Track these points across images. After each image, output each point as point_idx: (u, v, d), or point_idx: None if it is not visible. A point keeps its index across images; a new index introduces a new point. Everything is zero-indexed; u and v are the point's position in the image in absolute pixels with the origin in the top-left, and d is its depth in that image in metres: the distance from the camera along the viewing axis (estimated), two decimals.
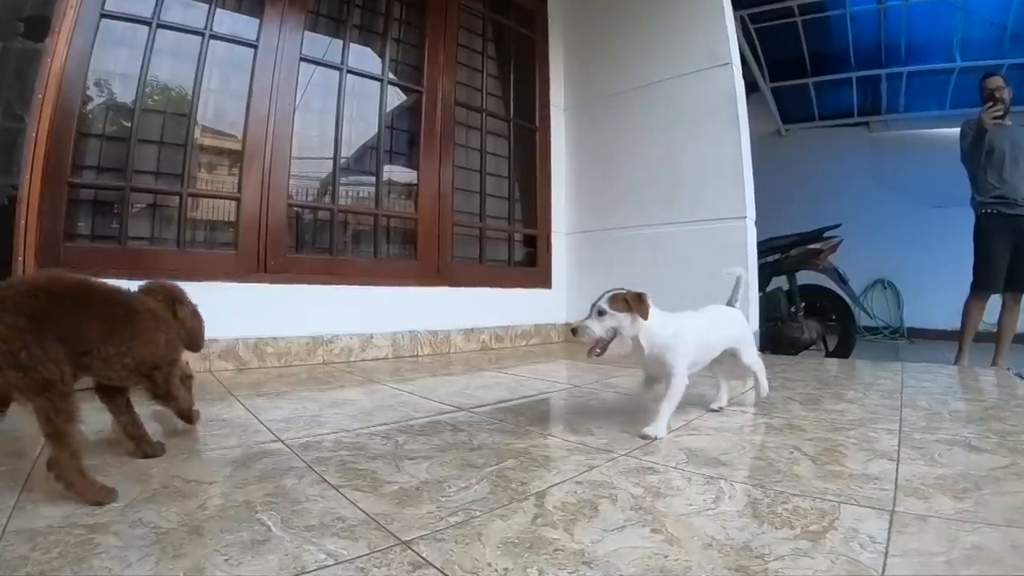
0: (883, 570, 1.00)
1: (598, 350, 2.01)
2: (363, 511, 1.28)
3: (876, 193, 9.44)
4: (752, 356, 2.40)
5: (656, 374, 2.16)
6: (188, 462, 1.70)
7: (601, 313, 2.00)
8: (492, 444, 1.86)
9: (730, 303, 2.43)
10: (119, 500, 1.36)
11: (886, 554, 1.05)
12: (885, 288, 9.59)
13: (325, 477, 1.53)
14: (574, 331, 2.03)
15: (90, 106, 3.38)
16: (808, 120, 10.35)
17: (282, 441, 1.94)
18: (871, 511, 1.27)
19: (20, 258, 2.81)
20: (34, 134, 3.04)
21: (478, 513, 1.26)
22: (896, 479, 1.48)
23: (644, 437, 1.92)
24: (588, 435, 1.99)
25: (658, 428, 1.94)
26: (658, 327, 2.03)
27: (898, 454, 1.72)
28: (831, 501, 1.32)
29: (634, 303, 1.98)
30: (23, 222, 2.96)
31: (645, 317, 1.98)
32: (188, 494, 1.40)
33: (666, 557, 1.04)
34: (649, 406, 2.15)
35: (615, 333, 2.01)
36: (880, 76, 9.24)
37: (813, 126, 10.38)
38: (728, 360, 2.39)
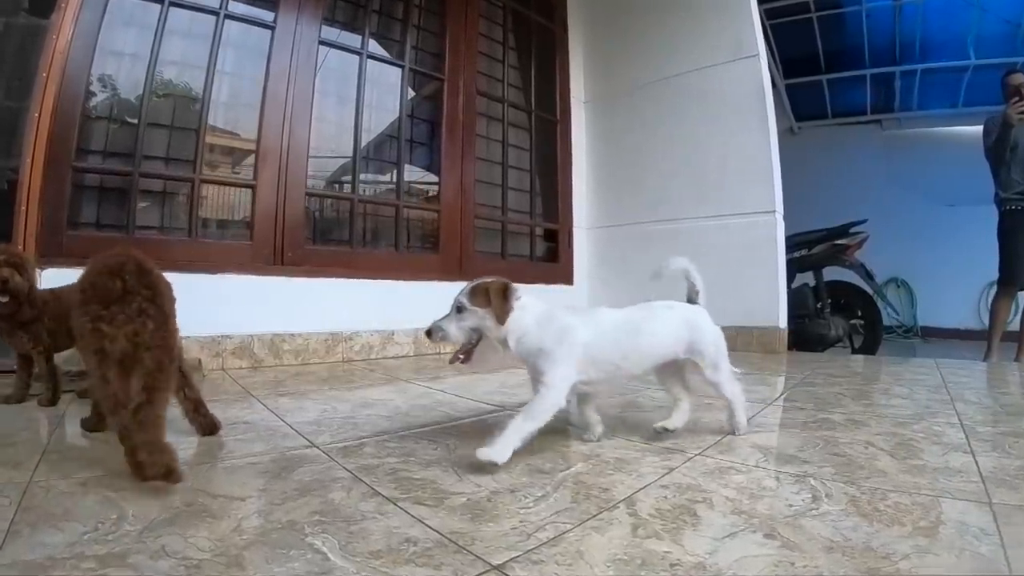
0: (1008, 562, 0.95)
1: (461, 356, 1.61)
2: (434, 530, 1.07)
3: (889, 191, 9.21)
4: (720, 373, 1.75)
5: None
6: (213, 473, 1.45)
7: (460, 309, 1.57)
8: (552, 446, 1.65)
9: (690, 300, 1.85)
10: (133, 523, 1.10)
11: (1003, 546, 1.01)
12: (899, 287, 9.38)
13: (377, 489, 1.30)
14: (428, 333, 1.59)
15: (97, 87, 3.11)
16: (821, 118, 10.12)
17: (317, 447, 1.69)
18: (970, 504, 1.21)
19: (20, 247, 2.56)
20: (36, 115, 2.80)
21: (568, 526, 1.08)
22: (979, 471, 1.42)
23: (477, 456, 1.40)
24: (647, 433, 1.80)
25: (497, 451, 1.40)
26: (534, 326, 1.57)
27: (970, 447, 1.66)
28: (927, 495, 1.26)
29: (494, 298, 1.54)
30: (23, 208, 2.73)
31: (501, 319, 1.53)
32: (218, 513, 1.17)
33: (793, 564, 0.93)
34: (595, 428, 1.74)
35: (479, 335, 1.59)
36: (894, 74, 9.06)
37: (826, 124, 10.17)
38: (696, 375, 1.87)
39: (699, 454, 1.58)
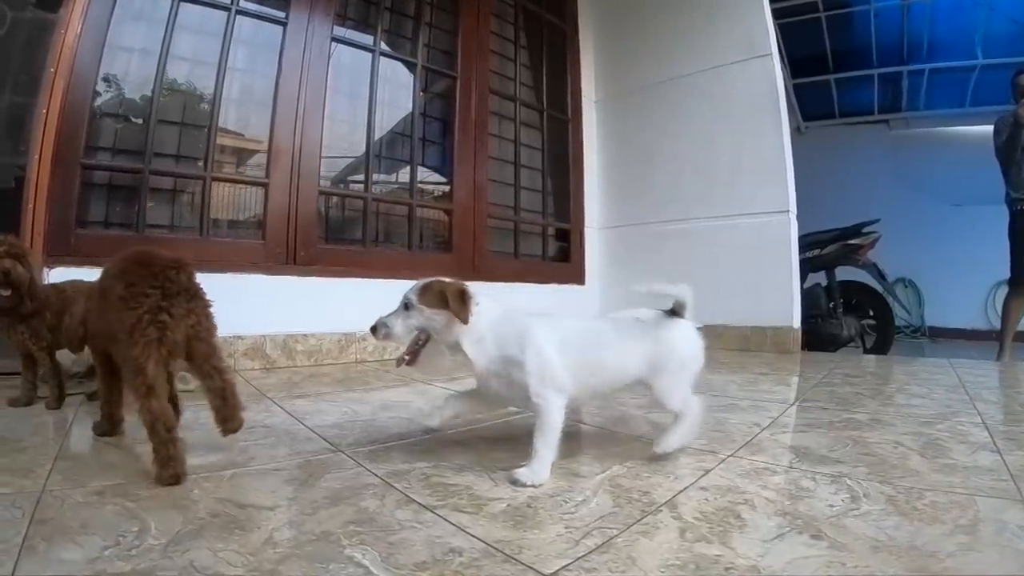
0: None
1: (406, 358, 1.49)
2: (478, 538, 1.01)
3: (896, 191, 9.10)
4: (674, 396, 1.51)
5: (497, 398, 1.53)
6: (237, 481, 1.35)
7: (408, 307, 1.45)
8: (585, 448, 1.63)
9: (674, 311, 1.55)
10: (157, 536, 1.02)
11: None
12: (906, 287, 9.26)
13: (412, 496, 1.23)
14: (373, 329, 1.48)
15: (106, 83, 3.02)
16: (828, 117, 10.02)
17: (342, 451, 1.61)
18: (1005, 501, 1.21)
19: (27, 245, 2.43)
20: (44, 111, 2.72)
21: (615, 531, 1.04)
22: (1009, 470, 1.42)
23: (515, 483, 1.31)
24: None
25: (535, 473, 1.32)
26: (489, 332, 1.44)
27: (996, 446, 1.65)
28: (962, 494, 1.25)
29: (452, 299, 1.40)
30: (31, 206, 2.65)
31: (465, 321, 1.40)
32: (247, 524, 1.08)
33: (844, 565, 0.91)
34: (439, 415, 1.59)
35: (426, 336, 1.47)
36: (902, 73, 8.97)
37: (833, 123, 10.06)
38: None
39: (731, 455, 1.55)
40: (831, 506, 1.17)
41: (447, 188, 4.44)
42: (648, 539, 1.01)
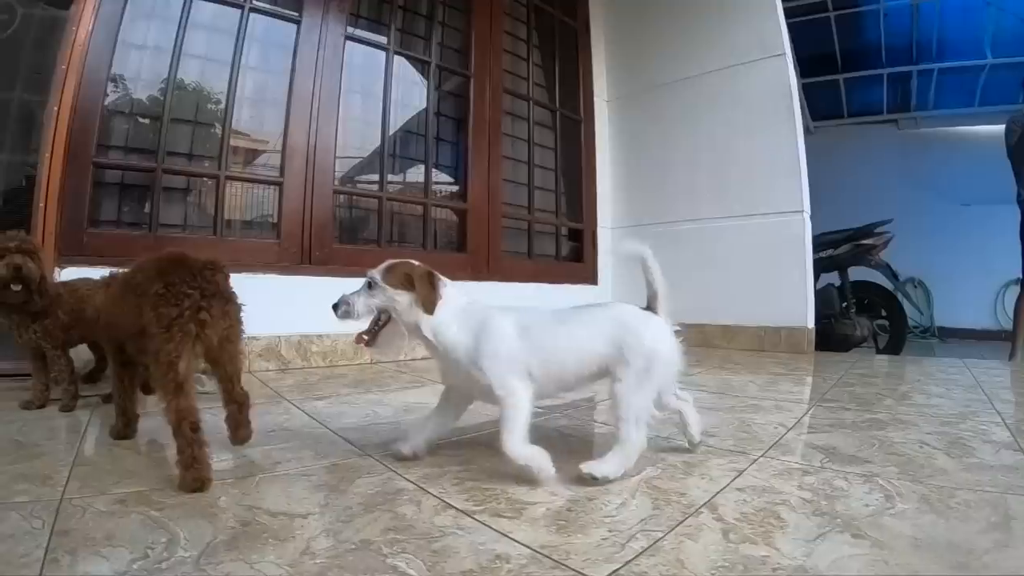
0: None
1: (365, 337, 1.44)
2: (523, 544, 0.98)
3: (905, 191, 8.98)
4: (630, 400, 1.35)
5: (457, 387, 1.50)
6: (265, 487, 1.29)
7: (371, 285, 1.40)
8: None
9: (648, 306, 1.50)
10: (187, 548, 0.95)
11: None
12: (916, 287, 9.17)
13: (448, 501, 1.20)
14: (335, 307, 1.42)
15: (118, 80, 2.95)
16: (837, 117, 9.94)
17: (370, 455, 1.55)
18: None
19: (38, 242, 2.36)
20: (56, 108, 2.65)
21: (659, 534, 1.02)
22: None
23: (513, 457, 1.29)
24: (705, 435, 1.67)
25: (517, 454, 1.29)
26: (451, 318, 1.40)
27: (1020, 445, 1.66)
28: (991, 492, 1.26)
29: (419, 283, 1.37)
30: (42, 205, 2.58)
31: (430, 310, 1.37)
32: (281, 534, 1.02)
33: (887, 563, 0.92)
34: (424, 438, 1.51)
35: (387, 317, 1.42)
36: (911, 73, 8.92)
37: (842, 123, 9.97)
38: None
39: (762, 456, 1.54)
40: (867, 505, 1.17)
41: (460, 188, 4.38)
42: (693, 541, 0.99)
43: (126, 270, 1.53)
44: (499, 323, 1.38)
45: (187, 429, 1.23)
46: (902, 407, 2.23)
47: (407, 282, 1.37)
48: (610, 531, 1.04)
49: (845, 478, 1.34)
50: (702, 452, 1.57)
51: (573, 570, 0.89)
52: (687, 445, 1.58)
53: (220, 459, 1.43)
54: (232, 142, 3.27)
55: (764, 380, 2.91)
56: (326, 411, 2.10)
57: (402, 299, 1.38)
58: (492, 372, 1.34)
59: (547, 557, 0.93)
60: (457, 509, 1.15)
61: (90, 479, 1.29)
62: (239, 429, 1.52)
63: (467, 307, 1.43)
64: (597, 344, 1.39)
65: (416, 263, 1.43)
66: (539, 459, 1.28)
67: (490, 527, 1.05)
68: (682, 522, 1.08)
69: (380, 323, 1.43)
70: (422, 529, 1.04)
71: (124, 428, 1.64)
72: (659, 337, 1.40)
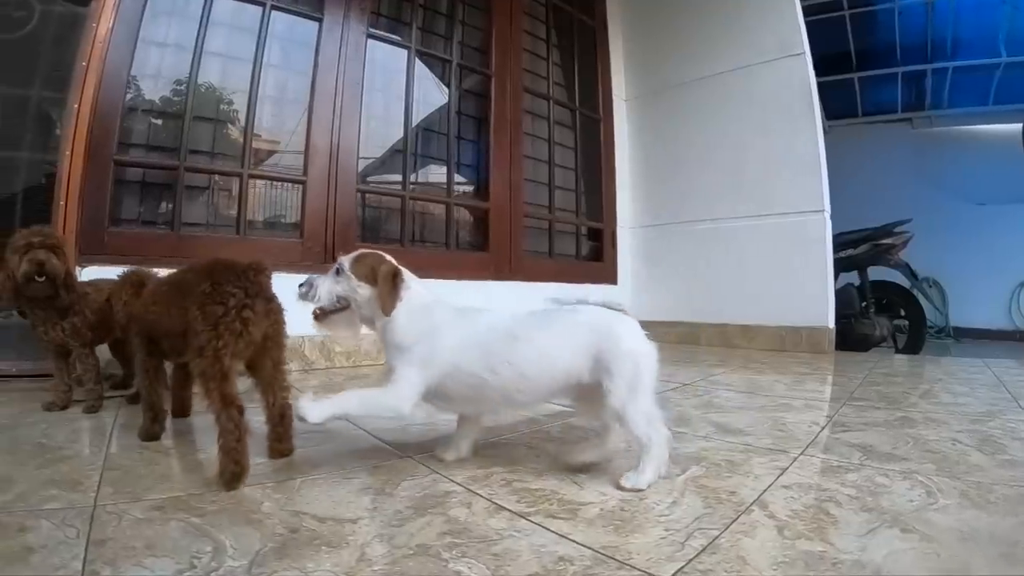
0: None
1: (318, 311, 1.39)
2: (584, 545, 0.96)
3: (919, 190, 8.79)
4: (636, 405, 1.25)
5: None
6: (307, 490, 1.22)
7: (339, 272, 1.37)
8: None
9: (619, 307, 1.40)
10: (235, 556, 0.88)
11: None
12: (930, 286, 9.03)
13: (499, 503, 1.16)
14: (300, 285, 1.40)
15: (139, 78, 2.88)
16: (851, 116, 9.74)
17: (411, 456, 1.49)
18: None
19: (63, 236, 2.31)
20: (76, 106, 2.58)
21: (716, 532, 1.01)
22: None
23: (297, 412, 1.26)
24: (742, 434, 1.75)
25: (313, 408, 1.24)
26: (404, 317, 1.33)
27: None
28: None
29: (382, 282, 1.32)
30: (62, 204, 2.51)
31: (386, 311, 1.31)
32: (332, 540, 0.96)
33: (939, 556, 0.93)
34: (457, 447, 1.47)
35: (347, 303, 1.38)
36: (925, 71, 8.78)
37: (856, 122, 9.76)
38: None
39: (802, 454, 1.53)
40: (910, 501, 1.17)
41: (477, 187, 4.31)
42: (750, 538, 0.98)
43: (174, 271, 1.57)
44: (445, 338, 1.32)
45: (234, 412, 1.23)
46: (930, 405, 2.23)
47: (372, 277, 1.34)
48: (667, 530, 1.02)
49: (886, 475, 1.34)
50: (743, 450, 1.55)
51: (639, 570, 0.87)
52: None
53: (256, 462, 1.36)
54: (258, 124, 3.23)
55: (790, 379, 2.88)
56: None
57: (364, 292, 1.35)
58: (398, 368, 1.31)
59: (611, 558, 0.91)
60: (510, 511, 1.11)
61: (122, 484, 1.21)
62: (280, 442, 1.46)
63: (423, 308, 1.36)
64: (566, 354, 1.29)
65: (387, 258, 1.38)
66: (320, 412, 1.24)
67: (547, 529, 1.02)
68: (736, 520, 1.07)
69: (339, 306, 1.38)
70: (478, 532, 1.00)
71: (152, 425, 1.62)
72: (637, 339, 1.31)
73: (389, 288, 1.31)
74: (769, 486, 1.26)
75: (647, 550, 0.94)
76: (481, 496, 1.19)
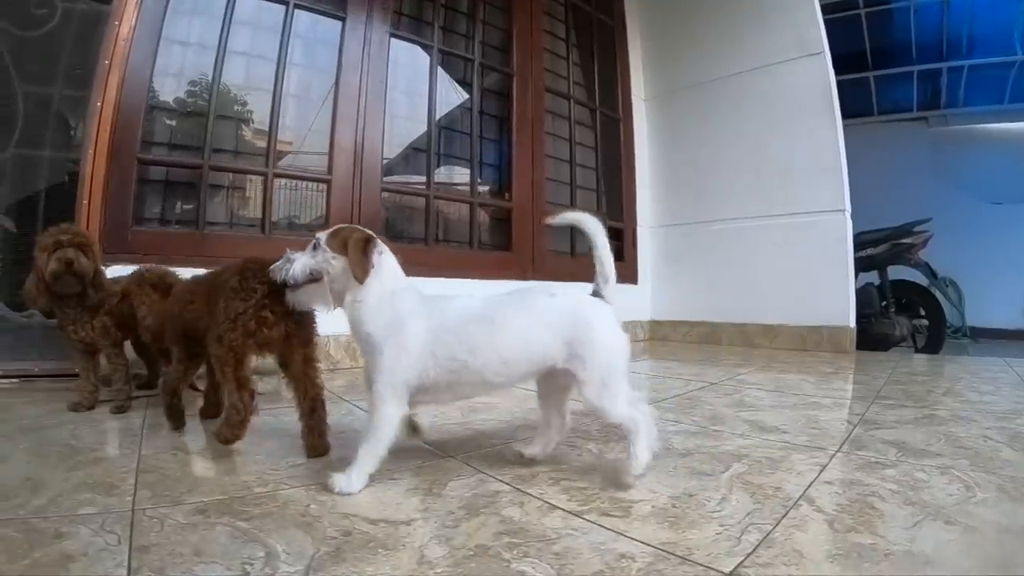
0: None
1: (290, 281, 1.29)
2: (643, 542, 0.94)
3: (935, 189, 8.68)
4: (609, 392, 1.23)
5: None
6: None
7: (316, 247, 1.30)
8: (695, 447, 1.55)
9: (595, 292, 1.34)
10: (289, 562, 0.83)
11: None
12: (947, 286, 8.92)
13: (551, 502, 1.14)
14: (278, 261, 1.33)
15: (162, 76, 2.83)
16: (867, 115, 9.58)
17: (453, 456, 1.44)
18: None
19: (92, 235, 2.25)
20: (99, 104, 2.54)
21: (767, 526, 1.01)
22: None
23: (330, 488, 1.16)
24: (778, 432, 1.73)
25: (350, 481, 1.17)
26: (373, 298, 1.26)
27: None
28: None
29: (351, 248, 1.24)
30: (85, 202, 2.48)
31: (360, 278, 1.23)
32: (388, 542, 0.93)
33: (983, 547, 0.95)
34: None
35: (319, 276, 1.29)
36: (941, 70, 8.68)
37: (872, 121, 9.60)
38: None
39: (839, 451, 1.52)
40: (950, 495, 1.17)
41: (498, 186, 4.26)
42: (802, 532, 0.99)
43: (213, 269, 1.58)
44: (412, 329, 1.24)
45: (245, 394, 1.33)
46: (957, 404, 2.22)
47: (345, 248, 1.26)
48: (721, 526, 1.01)
49: (923, 470, 1.34)
50: (781, 448, 1.54)
51: (702, 565, 0.86)
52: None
53: (296, 463, 1.33)
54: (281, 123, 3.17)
55: (816, 378, 2.85)
56: None
57: (337, 264, 1.26)
58: (377, 379, 1.23)
59: (671, 554, 0.90)
60: (563, 510, 1.09)
61: (160, 487, 1.16)
62: (313, 435, 1.42)
63: (397, 295, 1.29)
64: (542, 336, 1.25)
65: (364, 230, 1.31)
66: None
67: (603, 527, 1.01)
68: (786, 515, 1.07)
69: (311, 278, 1.30)
70: (535, 532, 0.98)
71: (171, 400, 1.66)
72: (611, 325, 1.28)
73: (360, 254, 1.24)
74: (812, 482, 1.26)
75: (705, 545, 0.93)
76: (532, 495, 1.16)
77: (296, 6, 3.15)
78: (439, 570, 0.83)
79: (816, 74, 4.33)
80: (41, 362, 2.41)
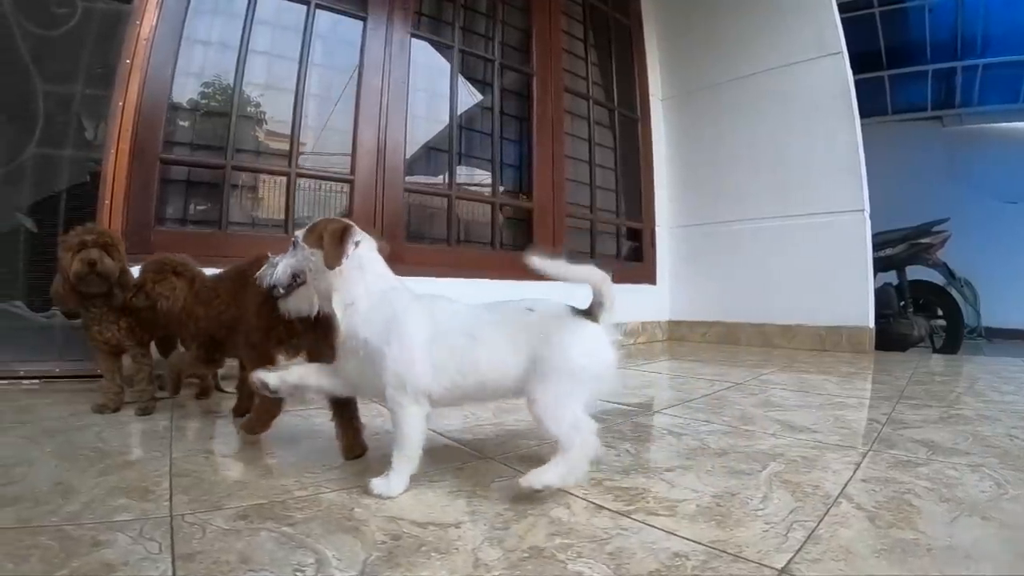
0: None
1: (280, 291, 1.24)
2: (692, 540, 0.94)
3: (949, 189, 8.57)
4: (554, 416, 1.13)
5: (348, 380, 1.26)
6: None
7: (295, 245, 1.24)
8: (729, 447, 1.53)
9: (590, 311, 1.23)
10: (342, 567, 0.79)
11: None
12: (963, 285, 8.83)
13: (596, 502, 1.11)
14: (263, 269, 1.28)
15: (183, 76, 2.80)
16: (881, 114, 9.47)
17: (490, 457, 1.40)
18: None
19: (117, 234, 2.22)
20: (120, 104, 2.51)
21: (811, 524, 1.01)
22: None
23: (370, 492, 1.10)
24: (808, 431, 1.72)
25: (391, 485, 1.11)
26: (364, 301, 1.19)
27: None
28: None
29: (327, 238, 1.17)
30: (107, 202, 2.44)
31: (330, 264, 1.16)
32: (440, 546, 0.90)
33: (1019, 542, 0.95)
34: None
35: (303, 279, 1.22)
36: (955, 69, 8.57)
37: (886, 120, 9.50)
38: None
39: (870, 450, 1.52)
40: (983, 492, 1.18)
41: (522, 186, 4.22)
42: (846, 529, 0.99)
43: (237, 263, 1.60)
44: (410, 326, 1.17)
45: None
46: (980, 403, 2.20)
47: (321, 241, 1.18)
48: (767, 523, 1.01)
49: (954, 468, 1.34)
50: (814, 447, 1.53)
51: (754, 562, 0.86)
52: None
53: (332, 465, 1.29)
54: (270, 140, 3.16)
55: (838, 379, 2.82)
56: None
57: (316, 259, 1.19)
58: (387, 383, 1.15)
59: (723, 552, 0.90)
60: (610, 510, 1.07)
61: (196, 491, 1.11)
62: (346, 433, 1.37)
63: (386, 293, 1.22)
64: (519, 359, 1.17)
65: (343, 220, 1.23)
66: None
67: (652, 526, 1.00)
68: (828, 512, 1.07)
69: (297, 282, 1.23)
70: (586, 532, 0.96)
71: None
72: (589, 349, 1.17)
73: (333, 243, 1.16)
74: (849, 480, 1.26)
75: (754, 543, 0.93)
76: (577, 496, 1.13)
77: (318, 6, 3.11)
78: (496, 573, 0.81)
79: (834, 74, 4.29)
80: (62, 363, 2.38)
